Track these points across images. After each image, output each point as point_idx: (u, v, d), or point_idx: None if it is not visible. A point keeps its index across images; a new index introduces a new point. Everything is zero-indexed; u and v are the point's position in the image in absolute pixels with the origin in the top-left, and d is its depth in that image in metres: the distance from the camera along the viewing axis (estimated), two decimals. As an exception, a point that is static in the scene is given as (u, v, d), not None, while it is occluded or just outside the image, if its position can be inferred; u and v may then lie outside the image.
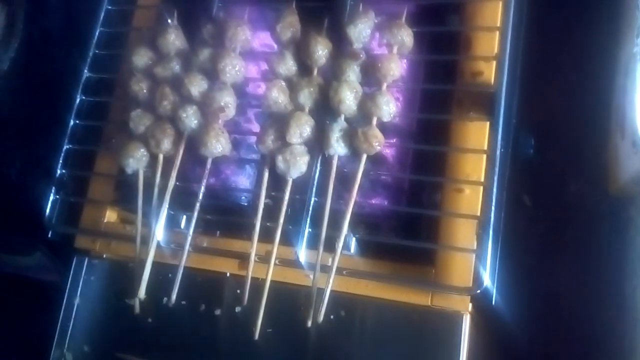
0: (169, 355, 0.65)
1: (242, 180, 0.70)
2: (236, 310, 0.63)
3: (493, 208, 0.50)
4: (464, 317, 0.53)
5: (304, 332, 0.59)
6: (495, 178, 0.51)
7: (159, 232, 0.60)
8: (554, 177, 0.74)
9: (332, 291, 0.56)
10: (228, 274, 0.63)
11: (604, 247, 0.67)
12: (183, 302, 0.64)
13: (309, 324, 0.53)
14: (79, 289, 0.70)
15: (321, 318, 0.53)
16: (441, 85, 0.58)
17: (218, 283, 0.64)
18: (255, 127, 0.72)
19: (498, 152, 0.52)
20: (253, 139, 0.70)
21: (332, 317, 0.59)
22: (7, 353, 0.91)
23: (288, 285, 0.58)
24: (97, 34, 0.71)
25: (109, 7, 0.72)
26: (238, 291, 0.64)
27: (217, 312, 0.64)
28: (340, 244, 0.53)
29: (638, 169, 0.65)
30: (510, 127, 0.55)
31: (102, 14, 0.71)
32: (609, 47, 0.67)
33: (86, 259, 0.71)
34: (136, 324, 0.66)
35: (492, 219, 0.50)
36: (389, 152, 0.62)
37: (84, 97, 0.70)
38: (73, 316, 0.70)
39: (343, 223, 0.53)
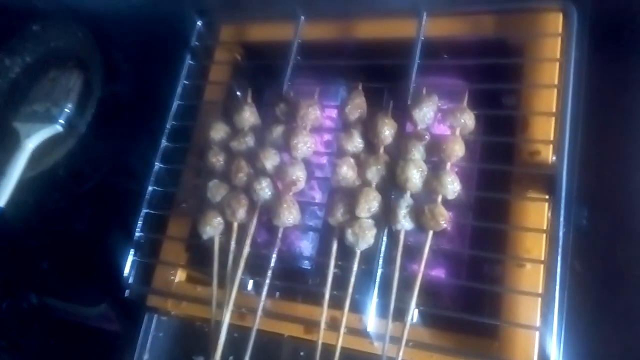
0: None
1: (305, 244, 0.74)
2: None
3: (557, 287, 0.53)
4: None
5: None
6: (559, 258, 0.54)
7: (233, 296, 0.64)
8: (603, 243, 0.76)
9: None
10: (286, 335, 0.66)
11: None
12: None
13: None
14: (148, 344, 0.75)
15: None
16: (499, 166, 0.61)
17: (280, 345, 0.67)
18: (318, 194, 0.76)
19: (561, 233, 0.54)
20: (316, 205, 0.75)
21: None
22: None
23: (355, 352, 0.61)
24: (174, 106, 0.77)
25: (186, 82, 0.78)
26: (302, 353, 0.67)
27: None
28: (410, 317, 0.56)
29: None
30: (571, 207, 0.58)
31: (180, 88, 0.78)
32: None
33: (155, 316, 0.75)
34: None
35: (556, 298, 0.52)
36: (450, 226, 0.65)
37: (161, 165, 0.75)
38: None
39: (412, 296, 0.56)
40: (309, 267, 0.70)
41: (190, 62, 0.79)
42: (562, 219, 0.55)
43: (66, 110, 0.95)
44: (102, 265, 0.87)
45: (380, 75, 0.68)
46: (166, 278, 0.73)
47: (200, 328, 0.72)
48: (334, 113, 0.74)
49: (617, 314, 0.72)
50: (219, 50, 0.80)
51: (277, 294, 0.69)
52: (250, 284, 0.69)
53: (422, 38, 0.66)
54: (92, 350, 0.98)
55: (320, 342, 0.59)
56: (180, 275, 0.74)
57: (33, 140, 0.94)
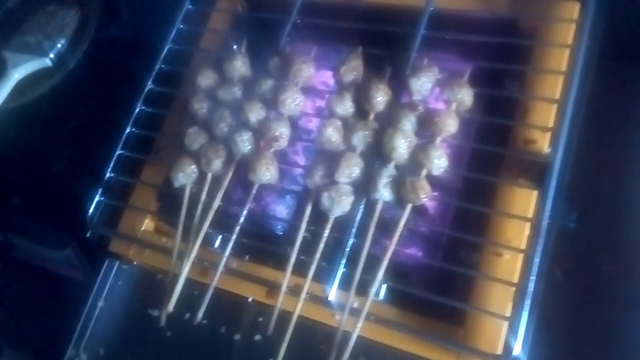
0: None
1: (281, 209, 0.71)
2: (255, 338, 0.64)
3: (534, 278, 0.50)
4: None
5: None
6: (539, 248, 0.51)
7: (197, 247, 0.61)
8: (589, 254, 0.73)
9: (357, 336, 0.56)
10: (250, 299, 0.63)
11: (633, 336, 0.65)
12: (204, 322, 0.65)
13: (333, 363, 0.53)
14: (105, 291, 0.72)
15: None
16: (493, 147, 0.58)
17: (241, 308, 0.65)
18: (302, 160, 0.73)
19: (545, 223, 0.51)
20: (298, 171, 0.71)
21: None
22: (24, 343, 0.92)
23: (313, 322, 0.58)
24: (166, 50, 0.74)
25: (181, 27, 0.75)
26: (260, 319, 0.64)
27: (237, 337, 0.64)
28: (374, 290, 0.53)
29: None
30: (559, 200, 0.55)
31: (174, 32, 0.74)
32: None
33: (117, 263, 0.72)
34: (155, 336, 0.67)
35: (531, 289, 0.49)
36: (431, 205, 0.62)
37: (143, 108, 0.72)
38: (95, 317, 0.71)
39: (379, 269, 0.53)
40: (281, 232, 0.67)
41: (189, 6, 0.75)
42: (548, 209, 0.52)
43: (58, 45, 0.92)
44: (72, 209, 0.83)
45: (383, 42, 0.65)
46: (133, 224, 0.70)
47: (160, 281, 0.68)
48: (329, 79, 0.71)
49: (593, 330, 0.69)
50: (220, -1, 0.77)
51: (247, 257, 0.65)
52: (218, 242, 0.66)
53: (431, 9, 0.63)
54: (53, 296, 0.95)
55: (278, 306, 0.56)
56: (147, 224, 0.71)
57: (20, 70, 0.91)
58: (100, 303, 0.71)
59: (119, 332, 0.70)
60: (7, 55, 0.92)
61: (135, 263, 0.71)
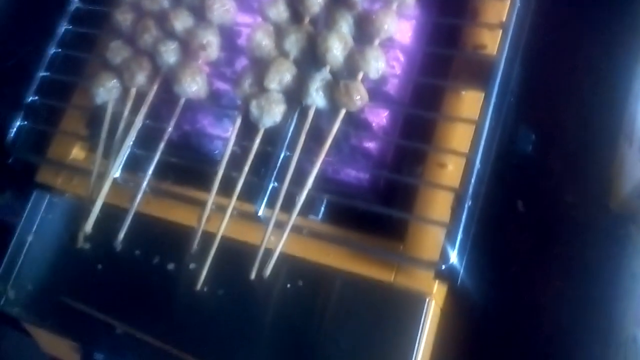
0: (112, 304, 0.60)
1: (218, 133, 0.66)
2: (190, 267, 0.59)
3: (473, 181, 0.45)
4: (427, 300, 0.48)
5: (256, 298, 0.54)
6: (480, 149, 0.46)
7: (118, 166, 0.56)
8: (551, 185, 0.69)
9: (291, 257, 0.52)
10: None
11: (595, 265, 0.62)
12: (137, 252, 0.60)
13: (253, 276, 0.48)
14: (35, 226, 0.67)
15: (268, 273, 0.48)
16: (440, 49, 0.53)
17: (176, 236, 0.60)
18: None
19: (487, 123, 0.47)
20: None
21: (288, 285, 0.54)
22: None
23: (244, 243, 0.54)
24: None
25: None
26: (195, 248, 0.60)
27: (170, 266, 0.60)
28: (302, 199, 0.48)
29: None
30: (504, 101, 0.50)
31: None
32: (628, 54, 0.63)
33: (47, 196, 0.67)
34: (85, 269, 0.63)
35: (470, 191, 0.45)
36: (375, 120, 0.57)
37: (69, 27, 0.66)
38: (24, 253, 0.66)
39: (308, 179, 0.49)
40: (216, 152, 0.62)
41: None
42: (491, 107, 0.47)
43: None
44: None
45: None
46: (62, 152, 0.65)
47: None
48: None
49: (554, 261, 0.66)
50: None
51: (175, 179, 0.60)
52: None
53: None
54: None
55: (202, 223, 0.52)
56: (77, 153, 0.66)
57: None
58: (30, 238, 0.67)
59: (48, 268, 0.65)
60: None
61: (66, 196, 0.66)
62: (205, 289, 0.56)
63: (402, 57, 0.56)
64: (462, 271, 0.48)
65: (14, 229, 0.87)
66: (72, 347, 0.64)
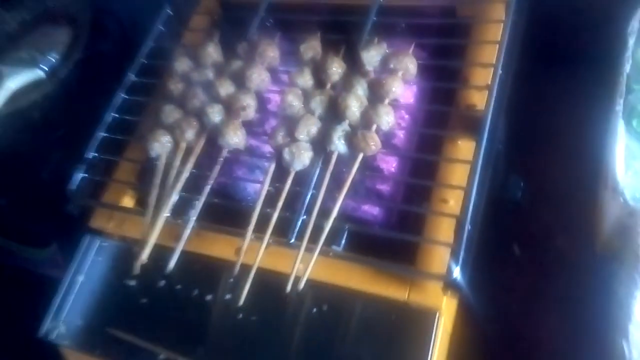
0: (155, 334, 0.67)
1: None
2: (225, 298, 0.67)
3: (471, 207, 0.55)
4: (437, 314, 0.56)
5: (286, 322, 0.62)
6: (475, 182, 0.56)
7: (169, 208, 0.66)
8: (542, 230, 0.78)
9: (317, 283, 0.60)
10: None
11: (588, 301, 0.69)
12: (178, 287, 0.68)
13: (289, 289, 0.57)
14: (86, 267, 0.75)
15: (301, 287, 0.56)
16: (439, 107, 0.65)
17: (213, 270, 0.68)
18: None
19: (479, 162, 0.58)
20: (267, 148, 0.77)
21: (314, 310, 0.62)
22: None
23: (276, 273, 0.61)
24: (148, 47, 0.81)
25: (161, 27, 0.83)
26: (231, 280, 0.68)
27: (209, 297, 0.68)
28: (327, 227, 0.58)
29: (617, 216, 0.69)
30: (493, 148, 0.61)
31: (157, 33, 0.82)
32: (603, 107, 0.73)
33: (98, 241, 0.76)
34: (131, 304, 0.70)
35: (468, 216, 0.55)
36: (386, 167, 0.68)
37: (126, 97, 0.79)
38: (75, 292, 0.74)
39: (332, 211, 0.59)
40: (250, 198, 0.72)
41: (169, 11, 0.84)
42: (482, 152, 0.58)
43: (50, 58, 1.00)
44: (59, 209, 0.88)
45: (339, 30, 0.73)
46: (114, 198, 0.75)
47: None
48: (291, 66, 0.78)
49: (551, 298, 0.74)
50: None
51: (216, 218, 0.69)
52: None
53: (381, 1, 0.72)
54: (37, 299, 0.98)
55: (241, 257, 0.60)
56: (128, 201, 0.76)
57: (15, 81, 0.98)
58: (80, 278, 0.75)
59: (97, 304, 0.73)
60: (2, 68, 1.00)
61: (115, 238, 0.74)
62: (240, 316, 0.64)
63: (406, 115, 0.68)
64: (466, 287, 0.56)
65: (56, 281, 0.95)
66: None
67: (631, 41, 0.73)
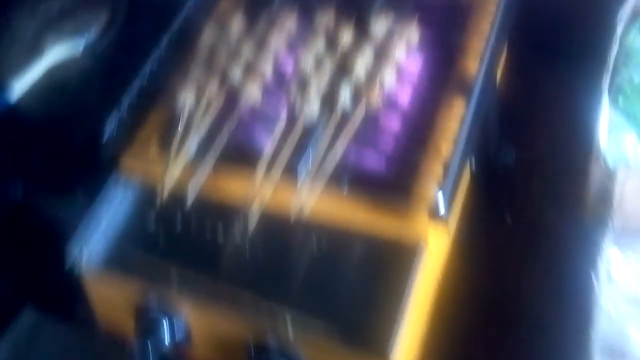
0: (172, 254, 0.72)
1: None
2: (236, 229, 0.71)
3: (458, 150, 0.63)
4: (420, 247, 0.63)
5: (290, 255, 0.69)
6: (463, 134, 0.65)
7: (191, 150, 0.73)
8: (532, 200, 0.84)
9: (318, 219, 0.67)
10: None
11: (574, 267, 0.74)
12: (194, 219, 0.72)
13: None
14: (111, 202, 0.78)
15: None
16: (437, 72, 0.74)
17: (226, 206, 0.72)
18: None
19: (468, 120, 0.66)
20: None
21: (314, 239, 0.68)
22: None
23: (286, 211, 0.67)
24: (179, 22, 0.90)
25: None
26: (242, 214, 0.73)
27: (221, 228, 0.71)
28: (331, 166, 0.65)
29: (599, 181, 0.75)
30: (481, 105, 0.68)
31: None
32: (591, 86, 0.78)
33: (123, 180, 0.79)
34: (151, 235, 0.74)
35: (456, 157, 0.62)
36: (387, 123, 0.75)
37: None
38: (100, 226, 0.76)
39: (336, 155, 0.66)
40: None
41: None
42: (471, 111, 0.66)
43: (88, 36, 1.10)
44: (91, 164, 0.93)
45: (352, 5, 0.81)
46: (141, 146, 0.79)
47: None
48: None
49: (537, 265, 0.79)
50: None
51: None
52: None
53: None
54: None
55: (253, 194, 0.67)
56: (154, 149, 0.79)
57: (54, 55, 1.08)
58: (104, 213, 0.77)
59: (119, 235, 0.76)
60: (45, 43, 1.10)
61: (139, 177, 0.78)
62: (247, 246, 0.69)
63: (408, 78, 0.76)
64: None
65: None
66: (130, 314, 0.75)
67: (619, 28, 0.80)
